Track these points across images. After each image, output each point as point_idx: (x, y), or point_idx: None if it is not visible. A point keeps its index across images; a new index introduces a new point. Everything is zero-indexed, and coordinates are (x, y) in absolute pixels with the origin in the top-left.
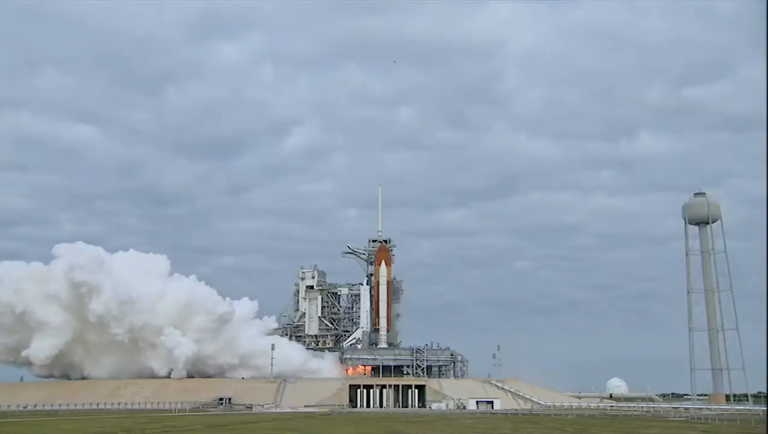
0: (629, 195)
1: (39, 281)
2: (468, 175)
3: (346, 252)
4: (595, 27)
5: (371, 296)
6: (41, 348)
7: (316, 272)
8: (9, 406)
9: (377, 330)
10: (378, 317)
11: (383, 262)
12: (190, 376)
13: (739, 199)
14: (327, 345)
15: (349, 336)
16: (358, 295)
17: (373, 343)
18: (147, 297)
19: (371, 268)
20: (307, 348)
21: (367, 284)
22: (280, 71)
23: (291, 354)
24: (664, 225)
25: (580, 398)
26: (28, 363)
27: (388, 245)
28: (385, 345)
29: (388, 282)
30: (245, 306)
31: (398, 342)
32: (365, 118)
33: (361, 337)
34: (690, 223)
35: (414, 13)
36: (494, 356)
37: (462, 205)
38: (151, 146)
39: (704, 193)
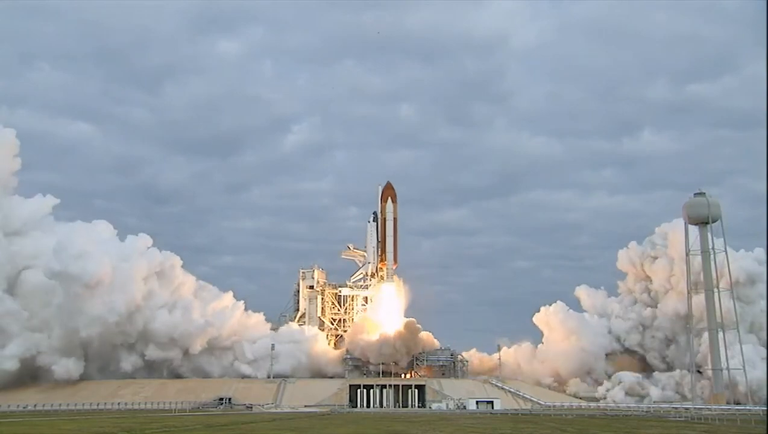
0: (631, 193)
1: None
2: (469, 173)
3: (347, 252)
4: (598, 23)
5: (377, 232)
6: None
7: (316, 271)
8: (9, 406)
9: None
10: (384, 252)
11: (389, 199)
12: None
13: (743, 198)
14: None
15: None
16: (359, 295)
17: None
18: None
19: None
20: None
21: (373, 221)
22: (279, 67)
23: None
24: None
25: (581, 398)
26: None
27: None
28: (391, 281)
29: (394, 218)
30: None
31: None
32: (365, 115)
33: (367, 273)
34: (690, 223)
35: (415, 8)
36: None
37: (463, 203)
38: (149, 144)
39: (704, 193)
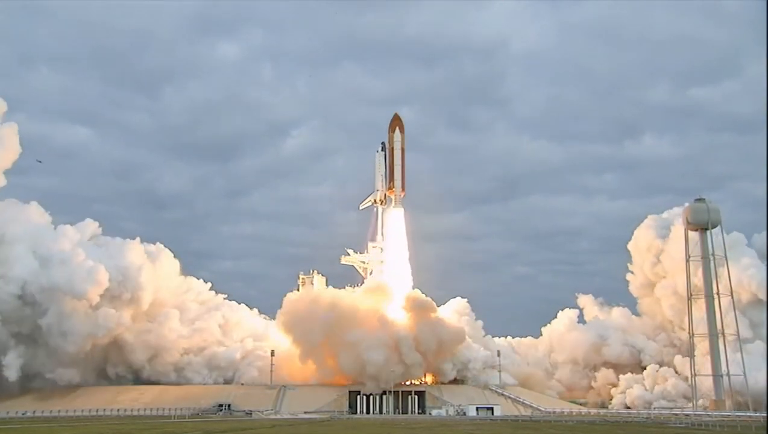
0: (632, 198)
1: None
2: (469, 177)
3: (346, 256)
4: (599, 25)
5: (386, 161)
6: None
7: (316, 277)
8: (8, 413)
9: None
10: (393, 180)
11: (397, 129)
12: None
13: (743, 202)
14: None
15: None
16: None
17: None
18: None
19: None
20: None
21: (382, 151)
22: (278, 70)
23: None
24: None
25: (582, 404)
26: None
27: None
28: (400, 206)
29: (402, 148)
30: None
31: None
32: (365, 118)
33: (376, 199)
34: (690, 229)
35: (415, 11)
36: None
37: (463, 208)
38: (148, 148)
39: (704, 199)
